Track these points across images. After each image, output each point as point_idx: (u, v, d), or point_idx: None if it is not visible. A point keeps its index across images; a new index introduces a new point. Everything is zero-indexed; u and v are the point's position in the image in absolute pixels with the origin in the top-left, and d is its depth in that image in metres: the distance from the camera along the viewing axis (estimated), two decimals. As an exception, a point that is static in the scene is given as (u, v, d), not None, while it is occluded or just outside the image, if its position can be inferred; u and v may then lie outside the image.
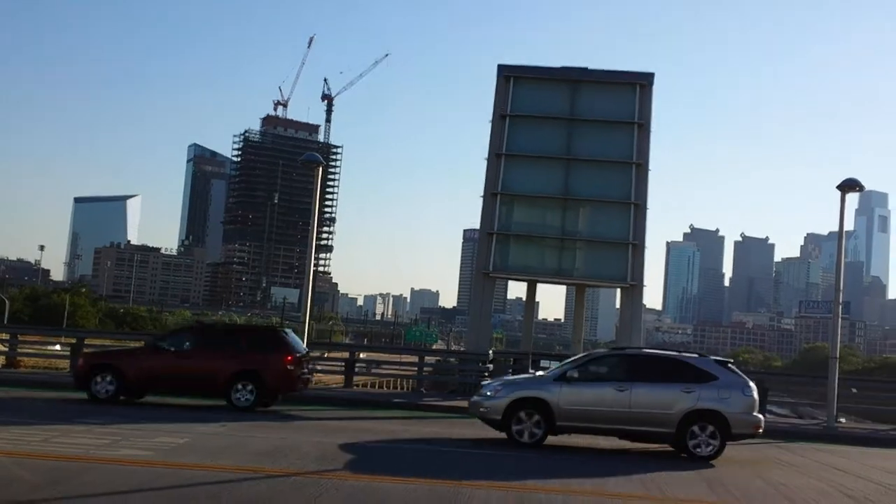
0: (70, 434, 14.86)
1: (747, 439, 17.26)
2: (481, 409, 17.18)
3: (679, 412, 16.29)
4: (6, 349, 29.97)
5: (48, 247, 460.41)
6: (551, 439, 16.84)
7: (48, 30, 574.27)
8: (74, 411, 18.43)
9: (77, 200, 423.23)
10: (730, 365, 17.64)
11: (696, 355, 18.11)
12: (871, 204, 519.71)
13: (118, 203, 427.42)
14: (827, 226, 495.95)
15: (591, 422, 16.63)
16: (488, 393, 17.22)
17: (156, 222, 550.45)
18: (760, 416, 17.17)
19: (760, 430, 17.03)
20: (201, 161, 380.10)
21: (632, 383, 16.59)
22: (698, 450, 16.26)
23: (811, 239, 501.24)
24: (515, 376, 21.34)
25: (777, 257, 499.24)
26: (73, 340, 29.57)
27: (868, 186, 24.00)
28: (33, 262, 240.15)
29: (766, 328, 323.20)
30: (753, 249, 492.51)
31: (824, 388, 25.14)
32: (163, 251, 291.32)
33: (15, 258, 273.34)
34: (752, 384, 17.09)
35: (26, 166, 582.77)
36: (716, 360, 17.66)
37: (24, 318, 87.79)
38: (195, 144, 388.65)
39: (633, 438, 17.06)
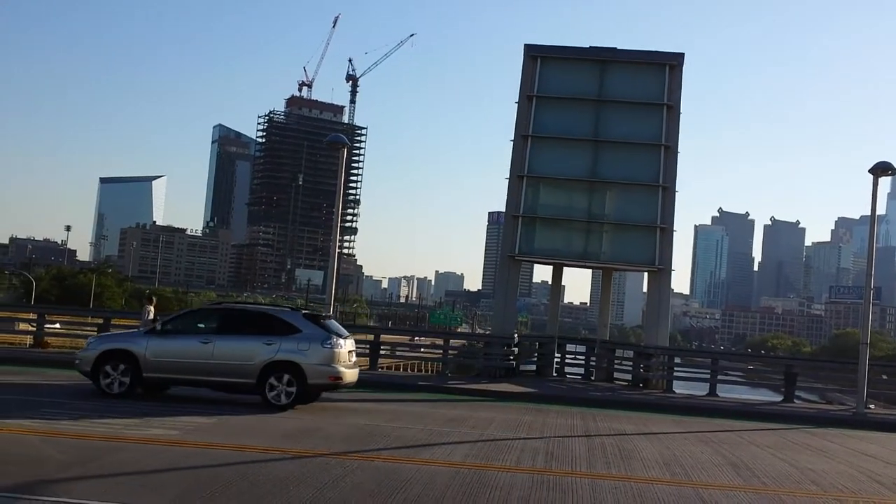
0: (100, 413, 14.99)
1: (329, 391, 18.08)
2: (76, 362, 17.82)
3: (259, 363, 16.93)
4: (34, 329, 30.29)
5: (74, 227, 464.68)
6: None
7: (74, 9, 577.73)
8: (100, 391, 18.56)
9: (103, 181, 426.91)
10: (324, 320, 18.05)
11: (287, 309, 18.95)
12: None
13: (144, 184, 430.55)
14: (859, 210, 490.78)
15: (177, 373, 17.30)
16: (86, 347, 17.99)
17: (181, 203, 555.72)
18: (339, 368, 17.37)
19: (340, 382, 17.48)
20: (226, 142, 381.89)
21: (218, 336, 17.29)
22: (277, 400, 16.90)
23: (842, 223, 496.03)
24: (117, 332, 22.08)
25: (807, 241, 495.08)
26: (101, 321, 29.83)
27: (901, 169, 23.58)
28: (59, 242, 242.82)
29: (796, 313, 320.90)
30: (783, 233, 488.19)
31: (854, 374, 24.92)
32: (188, 232, 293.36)
33: (41, 238, 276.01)
34: (341, 339, 17.53)
35: (52, 147, 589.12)
36: (306, 314, 18.19)
37: (50, 299, 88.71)
38: (220, 125, 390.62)
39: (218, 388, 17.62)
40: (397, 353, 40.03)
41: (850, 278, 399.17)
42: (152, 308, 25.64)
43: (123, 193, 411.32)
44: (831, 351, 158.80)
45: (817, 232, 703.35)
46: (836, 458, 15.73)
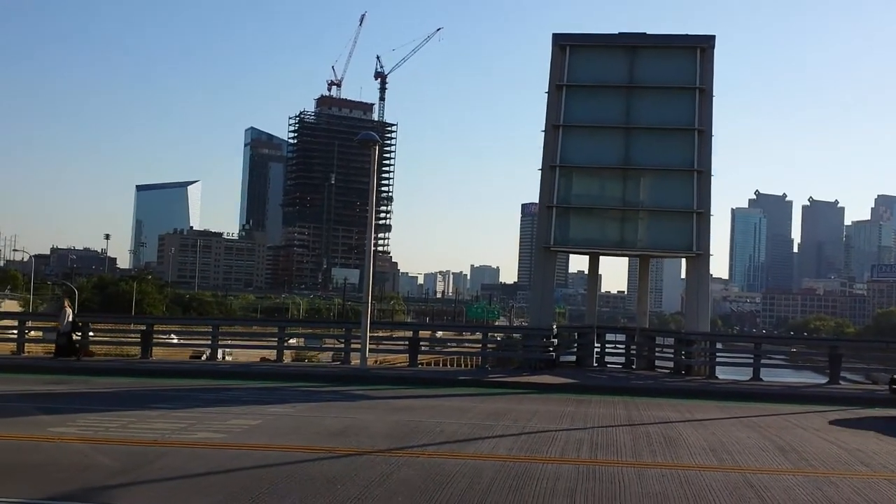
0: (146, 419, 15.17)
1: None
2: None
3: None
4: (79, 337, 30.67)
5: (113, 235, 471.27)
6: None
7: (103, 18, 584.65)
8: (149, 397, 18.81)
9: (139, 189, 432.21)
10: None
11: None
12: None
13: (179, 189, 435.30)
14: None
15: None
16: None
17: (216, 207, 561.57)
18: None
19: None
20: (258, 144, 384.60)
21: None
22: None
23: (882, 201, 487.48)
24: None
25: (847, 220, 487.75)
26: (143, 327, 30.18)
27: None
28: (99, 251, 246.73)
29: (838, 294, 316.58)
30: (822, 213, 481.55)
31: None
32: (224, 236, 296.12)
33: (81, 248, 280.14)
34: None
35: (87, 157, 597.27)
36: None
37: (93, 307, 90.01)
38: (252, 128, 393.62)
39: None
40: (437, 349, 40.09)
41: (892, 256, 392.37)
42: (69, 308, 25.94)
43: (160, 200, 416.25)
44: (875, 331, 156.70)
45: (857, 210, 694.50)
46: (884, 438, 15.48)
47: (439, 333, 47.88)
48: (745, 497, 10.10)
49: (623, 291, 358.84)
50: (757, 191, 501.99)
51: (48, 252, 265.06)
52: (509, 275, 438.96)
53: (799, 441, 14.69)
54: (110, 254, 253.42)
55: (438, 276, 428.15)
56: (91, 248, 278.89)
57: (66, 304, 26.32)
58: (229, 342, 35.32)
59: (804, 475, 11.50)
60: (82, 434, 13.16)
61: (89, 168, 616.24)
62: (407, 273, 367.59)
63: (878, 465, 12.43)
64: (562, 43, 31.06)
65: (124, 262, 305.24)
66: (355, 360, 27.34)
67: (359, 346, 26.27)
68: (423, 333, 33.15)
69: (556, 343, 29.37)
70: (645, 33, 31.34)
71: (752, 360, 28.37)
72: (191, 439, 13.07)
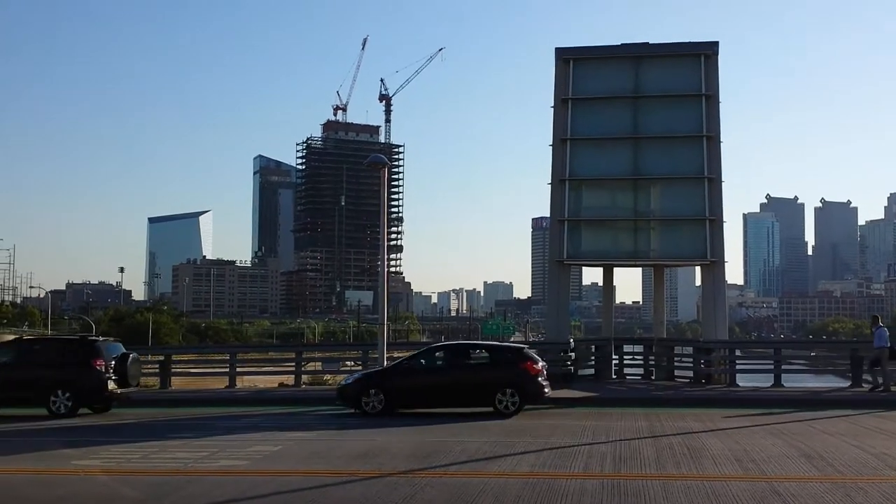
0: (168, 449, 15.17)
1: None
2: None
3: None
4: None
5: (127, 268, 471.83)
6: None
7: (107, 52, 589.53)
8: (170, 427, 18.81)
9: (151, 221, 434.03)
10: None
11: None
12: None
13: (191, 220, 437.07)
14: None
15: None
16: None
17: (228, 236, 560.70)
18: None
19: None
20: (267, 172, 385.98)
21: None
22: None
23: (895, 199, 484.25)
24: None
25: (861, 220, 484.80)
26: (161, 357, 30.27)
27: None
28: (114, 284, 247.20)
29: (855, 295, 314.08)
30: (835, 214, 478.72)
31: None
32: (238, 264, 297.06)
33: (96, 282, 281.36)
34: None
35: (98, 192, 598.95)
36: None
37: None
38: (260, 156, 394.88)
39: None
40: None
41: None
42: None
43: (172, 231, 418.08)
44: (894, 331, 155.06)
45: (870, 210, 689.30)
46: (912, 440, 15.32)
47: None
48: (772, 505, 9.99)
49: (638, 302, 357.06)
50: (768, 195, 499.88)
51: (64, 287, 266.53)
52: (523, 290, 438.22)
53: (824, 447, 14.54)
54: (125, 286, 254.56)
55: (452, 294, 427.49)
56: (106, 282, 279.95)
57: None
58: (247, 369, 35.36)
59: (832, 482, 11.38)
60: (105, 466, 13.18)
61: (101, 203, 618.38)
62: (420, 293, 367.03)
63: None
64: (565, 56, 31.12)
65: (139, 294, 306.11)
66: (373, 382, 27.24)
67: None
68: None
69: (573, 357, 29.24)
70: (647, 43, 31.37)
71: (772, 367, 28.18)
72: (213, 467, 13.05)
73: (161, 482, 11.84)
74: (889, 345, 24.31)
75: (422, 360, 22.15)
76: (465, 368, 21.67)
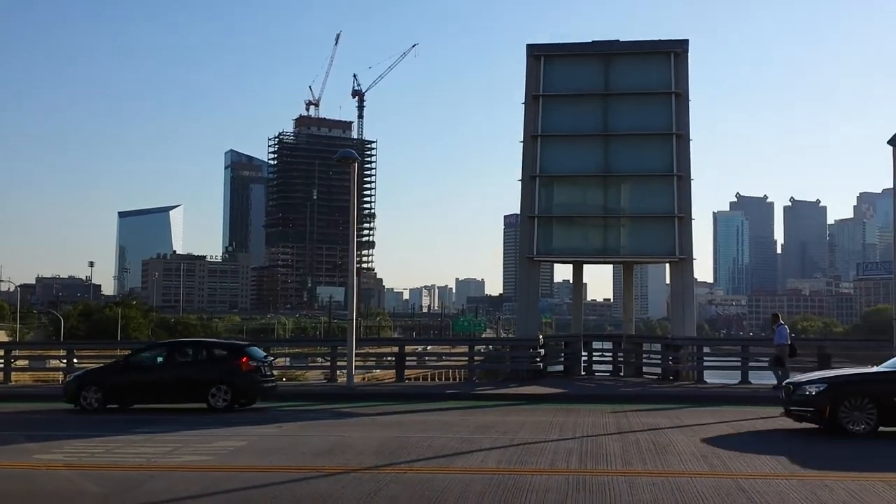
0: (131, 444, 15.00)
1: None
2: None
3: None
4: (64, 365, 30.51)
5: (97, 263, 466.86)
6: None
7: (83, 48, 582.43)
8: (134, 422, 18.61)
9: (121, 215, 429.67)
10: None
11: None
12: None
13: (161, 215, 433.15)
14: (880, 183, 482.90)
15: None
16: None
17: (199, 231, 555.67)
18: None
19: None
20: (239, 167, 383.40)
21: None
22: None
23: (865, 198, 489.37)
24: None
25: (830, 219, 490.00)
26: (129, 352, 29.94)
27: (920, 139, 23.30)
28: (84, 278, 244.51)
29: (824, 294, 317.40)
30: (804, 213, 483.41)
31: (890, 352, 24.47)
32: (208, 259, 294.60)
33: (66, 276, 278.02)
34: None
35: (68, 186, 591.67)
36: None
37: (79, 334, 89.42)
38: (232, 151, 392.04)
39: None
40: (424, 363, 39.99)
41: (877, 253, 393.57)
42: None
43: (142, 226, 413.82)
44: (864, 329, 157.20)
45: (839, 209, 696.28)
46: (880, 439, 15.46)
47: (429, 348, 47.81)
48: (737, 503, 10.04)
49: (609, 299, 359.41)
50: (738, 193, 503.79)
51: (33, 281, 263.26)
52: (494, 287, 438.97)
53: (791, 444, 14.65)
54: (95, 281, 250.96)
55: (424, 290, 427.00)
56: (76, 276, 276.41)
57: None
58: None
59: (798, 479, 11.44)
60: (69, 461, 13.02)
61: (71, 197, 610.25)
62: (392, 289, 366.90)
63: (873, 468, 12.39)
64: (536, 53, 31.12)
65: (109, 288, 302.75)
66: (342, 377, 27.21)
67: (345, 363, 26.17)
68: (409, 348, 33.02)
69: (543, 353, 29.32)
70: (618, 41, 31.49)
71: (739, 363, 28.42)
72: (176, 462, 12.92)
73: (124, 477, 11.70)
74: (789, 342, 24.66)
75: (142, 358, 22.45)
76: (183, 366, 21.84)
